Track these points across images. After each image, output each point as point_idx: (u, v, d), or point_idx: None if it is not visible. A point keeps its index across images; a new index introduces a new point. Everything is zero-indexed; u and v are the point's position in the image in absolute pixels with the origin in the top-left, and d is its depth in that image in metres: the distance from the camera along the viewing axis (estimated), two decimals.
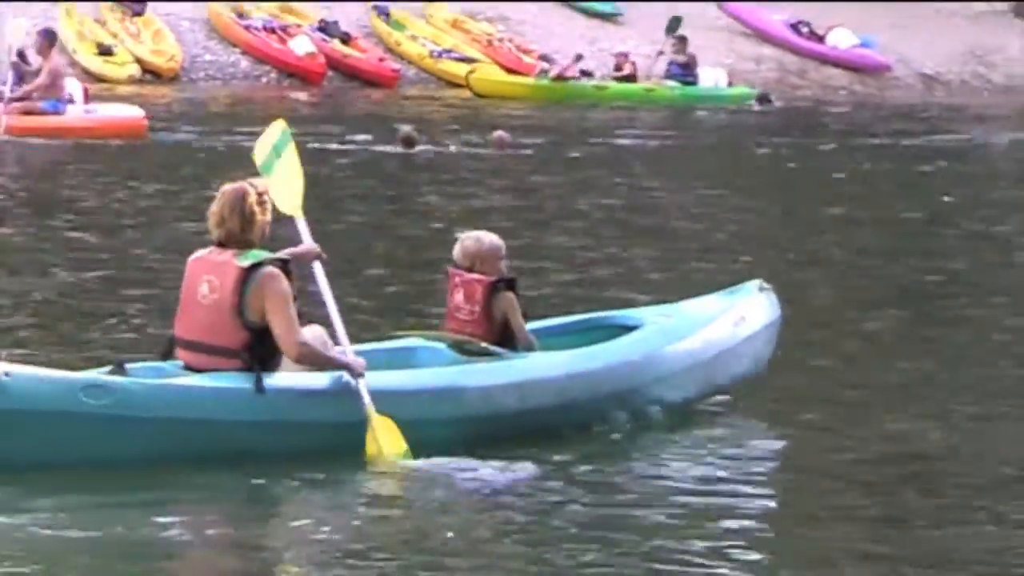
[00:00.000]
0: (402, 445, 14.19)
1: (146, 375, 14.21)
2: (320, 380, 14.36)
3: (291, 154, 15.48)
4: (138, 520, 11.82)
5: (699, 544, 11.65)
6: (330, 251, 24.40)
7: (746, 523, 12.61)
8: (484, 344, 15.49)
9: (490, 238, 16.27)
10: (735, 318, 17.06)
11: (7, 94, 37.14)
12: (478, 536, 12.43)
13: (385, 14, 47.57)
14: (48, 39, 37.95)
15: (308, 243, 15.06)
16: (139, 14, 45.47)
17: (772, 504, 13.47)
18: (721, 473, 14.22)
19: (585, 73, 46.71)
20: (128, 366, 14.04)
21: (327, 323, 14.42)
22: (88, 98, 38.33)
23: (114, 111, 38.15)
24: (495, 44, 47.36)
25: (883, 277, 24.08)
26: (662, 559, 11.37)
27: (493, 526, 12.80)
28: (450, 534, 12.13)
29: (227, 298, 13.80)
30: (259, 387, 13.68)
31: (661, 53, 47.62)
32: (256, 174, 22.09)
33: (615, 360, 16.12)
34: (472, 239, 16.07)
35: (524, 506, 13.34)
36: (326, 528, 12.68)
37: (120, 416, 13.79)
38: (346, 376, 14.20)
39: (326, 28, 46.40)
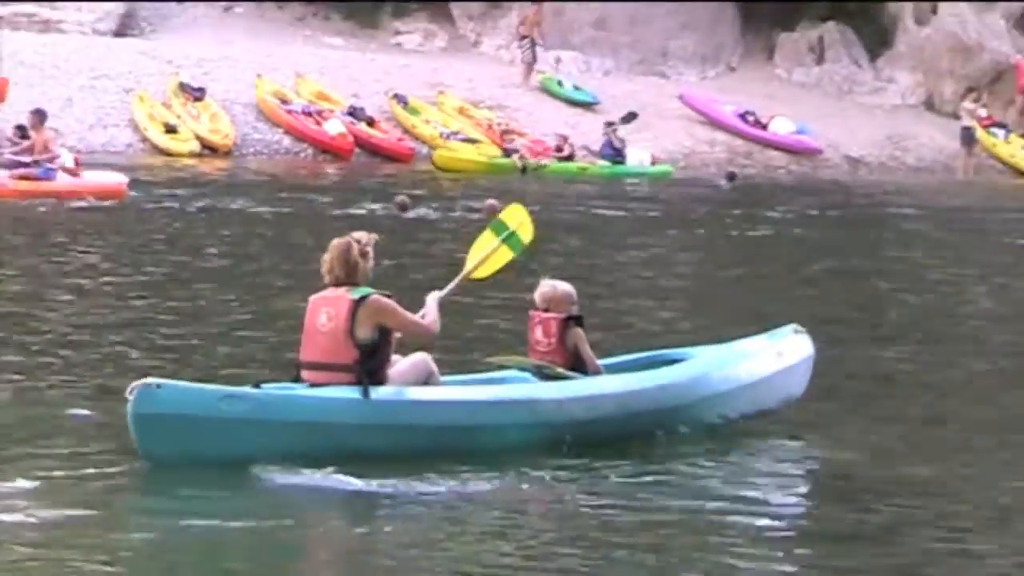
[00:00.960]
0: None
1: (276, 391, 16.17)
2: (419, 391, 16.33)
3: (527, 229, 18.17)
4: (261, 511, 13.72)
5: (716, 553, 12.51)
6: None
7: (751, 536, 13.32)
8: (560, 369, 17.41)
9: (563, 286, 18.00)
10: (774, 353, 18.91)
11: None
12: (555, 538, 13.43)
13: (404, 101, 50.62)
14: (39, 117, 39.38)
15: (449, 286, 17.40)
16: (199, 99, 48.50)
17: (783, 522, 14.00)
18: (736, 488, 15.25)
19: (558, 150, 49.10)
20: (263, 385, 16.10)
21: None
22: (78, 165, 39.35)
23: (99, 177, 39.57)
24: (494, 127, 50.12)
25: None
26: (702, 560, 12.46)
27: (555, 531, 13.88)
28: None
29: (342, 324, 15.79)
30: (366, 395, 15.73)
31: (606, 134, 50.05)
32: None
33: (666, 382, 18.00)
34: (548, 286, 17.78)
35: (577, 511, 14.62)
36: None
37: (251, 420, 15.69)
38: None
39: (354, 112, 49.71)
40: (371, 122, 49.95)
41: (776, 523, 14.09)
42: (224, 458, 15.30)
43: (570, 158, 49.12)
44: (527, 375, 17.36)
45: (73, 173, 39.37)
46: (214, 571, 13.11)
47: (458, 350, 19.63)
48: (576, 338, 17.57)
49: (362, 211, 39.32)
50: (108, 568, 12.22)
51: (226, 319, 24.21)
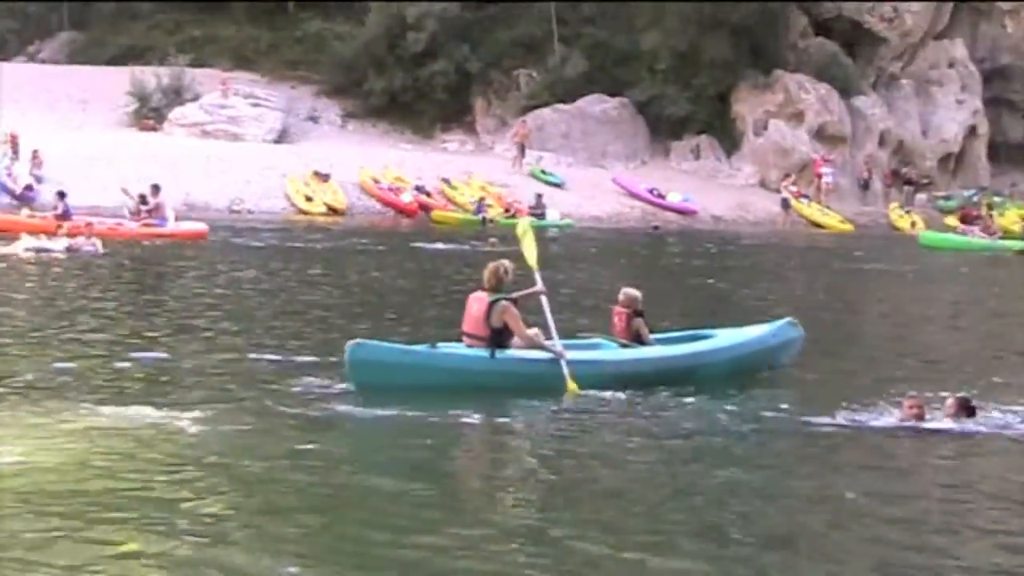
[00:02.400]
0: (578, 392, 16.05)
1: (449, 349, 16.75)
2: (524, 353, 16.49)
3: (530, 238, 17.86)
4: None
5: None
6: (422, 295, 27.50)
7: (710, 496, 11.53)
8: (626, 342, 17.70)
9: (632, 291, 18.13)
10: (771, 333, 18.44)
11: (131, 213, 36.39)
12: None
13: (448, 182, 49.65)
14: (155, 188, 37.00)
15: (539, 285, 17.10)
16: (326, 180, 47.80)
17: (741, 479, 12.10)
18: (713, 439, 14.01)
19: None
20: (439, 344, 16.67)
21: (543, 325, 16.55)
22: (177, 219, 36.86)
23: (189, 225, 36.76)
24: (503, 198, 49.30)
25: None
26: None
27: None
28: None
29: (481, 314, 16.30)
30: (492, 355, 16.23)
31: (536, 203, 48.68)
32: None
33: (694, 350, 17.89)
34: (624, 292, 18.07)
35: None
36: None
37: (420, 364, 16.11)
38: (550, 353, 16.45)
39: (419, 188, 48.80)
40: (428, 194, 49.18)
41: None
42: (402, 387, 15.72)
43: (514, 216, 45.95)
44: (610, 343, 17.70)
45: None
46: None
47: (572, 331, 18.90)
48: (638, 325, 17.83)
49: (424, 244, 38.35)
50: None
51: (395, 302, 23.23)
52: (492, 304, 16.28)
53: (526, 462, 13.54)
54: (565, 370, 16.12)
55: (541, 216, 47.19)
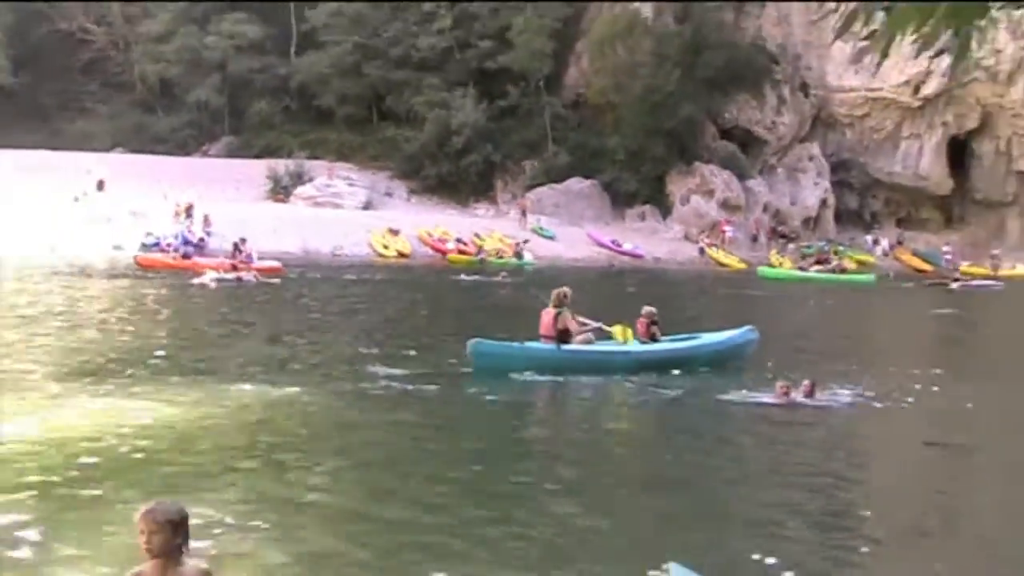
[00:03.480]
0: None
1: (532, 344, 16.78)
2: (580, 348, 16.75)
3: (619, 332, 17.37)
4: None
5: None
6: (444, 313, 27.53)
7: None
8: (646, 340, 17.53)
9: (651, 308, 18.11)
10: (737, 335, 18.39)
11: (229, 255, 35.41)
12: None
13: (477, 235, 48.97)
14: (243, 240, 36.31)
15: (595, 325, 17.35)
16: (396, 234, 47.30)
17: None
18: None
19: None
20: (526, 342, 16.89)
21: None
22: (259, 258, 35.49)
23: (271, 262, 35.14)
24: (513, 246, 48.04)
25: None
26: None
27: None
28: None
29: (550, 321, 16.70)
30: (559, 348, 16.56)
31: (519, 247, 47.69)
32: None
33: (685, 346, 17.93)
34: (645, 308, 18.01)
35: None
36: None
37: (516, 355, 16.47)
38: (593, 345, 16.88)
39: (459, 239, 48.04)
40: (465, 244, 48.44)
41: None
42: (503, 370, 15.86)
43: (502, 256, 46.99)
44: (636, 342, 17.45)
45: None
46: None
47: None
48: (655, 330, 17.78)
49: (460, 277, 37.67)
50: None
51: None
52: (557, 315, 16.76)
53: (569, 424, 14.09)
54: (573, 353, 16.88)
55: (520, 257, 46.93)
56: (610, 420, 14.42)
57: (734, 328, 18.81)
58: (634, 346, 17.51)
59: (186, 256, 36.65)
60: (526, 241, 49.07)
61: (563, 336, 16.83)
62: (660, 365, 17.11)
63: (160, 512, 5.28)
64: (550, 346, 16.80)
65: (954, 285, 44.52)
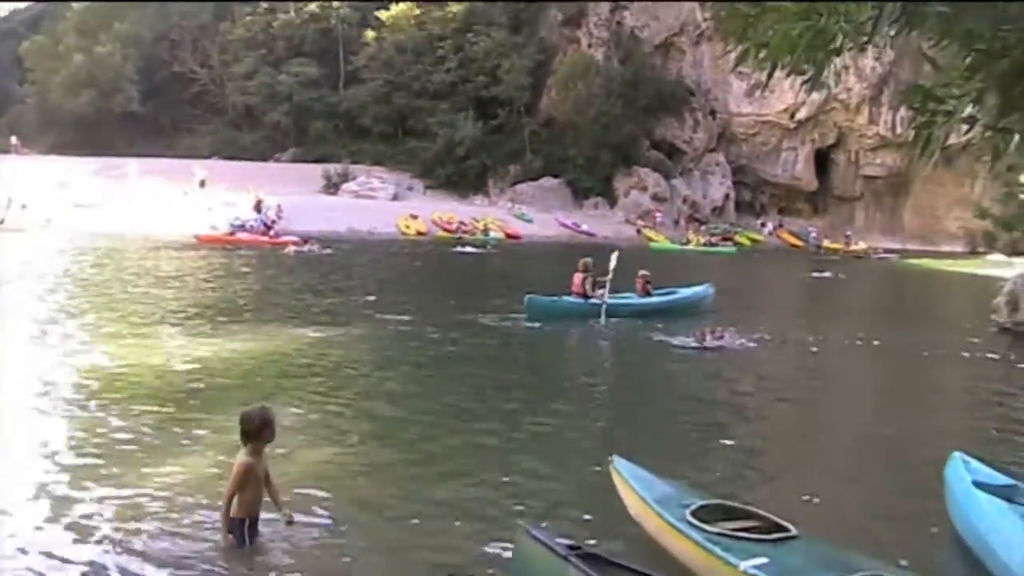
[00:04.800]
0: None
1: (566, 299, 16.26)
2: (596, 300, 16.21)
3: (613, 261, 16.45)
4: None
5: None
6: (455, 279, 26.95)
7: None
8: (642, 294, 17.31)
9: (646, 271, 17.64)
10: (701, 291, 18.40)
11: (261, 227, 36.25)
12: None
13: (475, 219, 47.34)
14: (273, 221, 37.25)
15: (609, 276, 16.39)
16: (416, 218, 45.80)
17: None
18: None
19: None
20: (564, 296, 16.37)
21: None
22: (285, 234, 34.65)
23: (291, 237, 33.56)
24: (506, 226, 47.22)
25: None
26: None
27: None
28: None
29: (580, 281, 16.44)
30: (586, 301, 16.18)
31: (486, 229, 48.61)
32: None
33: (669, 299, 17.73)
34: (641, 271, 17.55)
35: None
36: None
37: (551, 308, 15.97)
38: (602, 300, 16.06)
39: (461, 222, 46.64)
40: (465, 224, 47.43)
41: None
42: (550, 318, 15.53)
43: (486, 232, 45.09)
44: (634, 295, 17.21)
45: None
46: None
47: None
48: (648, 288, 17.51)
49: (459, 249, 36.79)
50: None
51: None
52: (584, 278, 16.53)
53: (590, 360, 13.64)
54: (603, 308, 16.16)
55: (486, 234, 45.34)
56: (594, 355, 14.15)
57: (698, 285, 18.71)
58: (635, 299, 17.35)
59: (265, 232, 36.58)
60: (460, 222, 47.04)
61: (586, 293, 16.64)
62: (653, 311, 16.89)
63: (258, 413, 5.51)
64: (579, 300, 16.54)
65: (876, 257, 46.08)
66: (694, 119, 58.79)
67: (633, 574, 4.46)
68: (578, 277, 16.81)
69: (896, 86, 51.86)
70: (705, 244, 49.12)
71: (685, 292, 18.29)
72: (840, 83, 50.68)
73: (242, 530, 5.41)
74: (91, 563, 5.32)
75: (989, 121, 3.60)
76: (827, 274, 32.60)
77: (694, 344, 13.96)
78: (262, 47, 60.89)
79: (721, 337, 14.20)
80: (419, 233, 45.17)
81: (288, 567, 5.31)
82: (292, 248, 31.01)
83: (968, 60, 3.65)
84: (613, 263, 16.42)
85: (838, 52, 3.92)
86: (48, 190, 40.92)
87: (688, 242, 49.34)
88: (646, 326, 15.64)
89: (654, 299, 17.48)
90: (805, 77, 4.09)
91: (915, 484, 7.35)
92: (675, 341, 14.24)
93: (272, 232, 35.51)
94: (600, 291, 16.50)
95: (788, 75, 4.12)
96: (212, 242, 33.12)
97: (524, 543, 4.85)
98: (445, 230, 46.07)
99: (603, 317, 15.88)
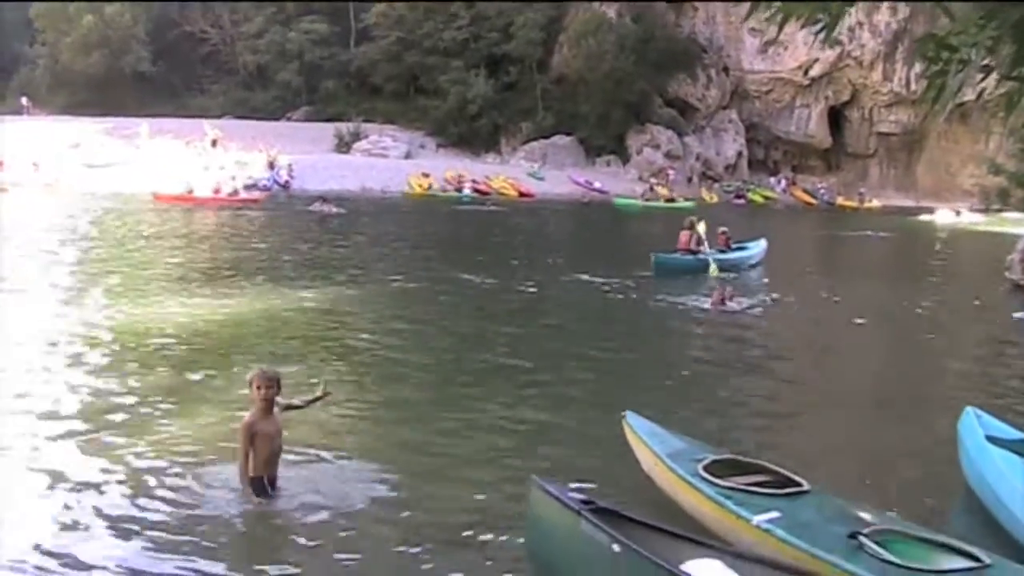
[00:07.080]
0: None
1: (675, 255, 17.00)
2: (702, 256, 16.91)
3: (701, 229, 17.21)
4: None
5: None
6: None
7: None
8: (725, 249, 17.83)
9: (725, 229, 17.98)
10: (764, 245, 18.90)
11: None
12: None
13: (488, 177, 47.42)
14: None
15: (704, 242, 17.16)
16: (427, 176, 45.62)
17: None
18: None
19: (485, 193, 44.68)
20: (672, 253, 16.98)
21: None
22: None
23: (255, 195, 34.53)
24: (513, 184, 47.12)
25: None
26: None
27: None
28: None
29: (687, 238, 16.82)
30: (696, 257, 16.94)
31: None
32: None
33: (745, 254, 18.30)
34: (721, 228, 17.88)
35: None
36: None
37: (674, 262, 16.73)
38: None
39: (474, 180, 46.49)
40: (477, 182, 47.13)
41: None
42: (671, 273, 16.10)
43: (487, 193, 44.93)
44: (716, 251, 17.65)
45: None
46: None
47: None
48: (729, 242, 18.09)
49: (465, 207, 36.82)
50: None
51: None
52: (691, 236, 17.13)
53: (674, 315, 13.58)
54: (712, 262, 16.94)
55: (459, 191, 44.54)
56: (609, 315, 13.73)
57: (757, 240, 19.45)
58: (724, 254, 17.97)
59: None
60: (472, 180, 46.78)
61: (693, 250, 17.27)
62: (734, 265, 17.58)
63: (269, 373, 5.56)
64: (687, 257, 17.18)
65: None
66: (707, 76, 58.30)
67: (645, 528, 4.39)
68: (684, 235, 17.42)
69: (910, 42, 51.16)
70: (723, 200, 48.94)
71: (753, 247, 19.02)
72: (854, 39, 50.22)
73: (260, 487, 5.49)
74: (98, 523, 5.36)
75: (1004, 70, 3.53)
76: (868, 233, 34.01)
77: (709, 305, 13.97)
78: (272, 5, 59.83)
79: (735, 299, 14.21)
80: (428, 190, 44.76)
81: (299, 523, 5.33)
82: (317, 205, 31.14)
83: (982, 7, 3.59)
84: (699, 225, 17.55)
85: (852, 1, 3.91)
86: (60, 150, 40.95)
87: (650, 200, 48.25)
88: (660, 288, 15.55)
89: (735, 254, 18.17)
90: (818, 28, 4.01)
91: (928, 439, 7.31)
92: (690, 303, 14.16)
93: (231, 190, 34.77)
94: (702, 246, 17.18)
95: (803, 27, 4.03)
96: (170, 201, 31.97)
97: (537, 497, 4.76)
98: (456, 187, 45.82)
99: (713, 268, 16.64)
